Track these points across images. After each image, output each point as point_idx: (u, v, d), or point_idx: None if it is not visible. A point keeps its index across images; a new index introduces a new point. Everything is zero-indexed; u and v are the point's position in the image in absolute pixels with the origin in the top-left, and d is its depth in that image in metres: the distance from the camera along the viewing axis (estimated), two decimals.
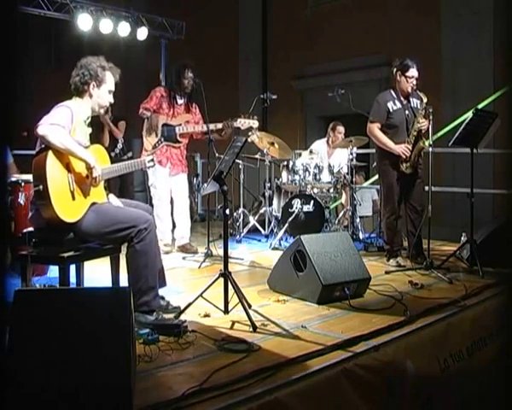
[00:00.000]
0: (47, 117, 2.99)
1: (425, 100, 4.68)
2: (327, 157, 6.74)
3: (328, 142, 6.89)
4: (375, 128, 4.86)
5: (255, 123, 5.43)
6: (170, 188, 5.47)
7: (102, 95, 3.28)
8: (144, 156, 5.12)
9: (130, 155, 7.09)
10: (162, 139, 5.37)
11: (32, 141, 3.12)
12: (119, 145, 7.01)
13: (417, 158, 4.80)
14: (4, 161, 1.38)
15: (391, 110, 4.83)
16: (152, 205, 5.39)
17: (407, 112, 4.83)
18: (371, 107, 5.02)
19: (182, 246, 5.50)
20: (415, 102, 4.86)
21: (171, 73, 5.55)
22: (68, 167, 3.06)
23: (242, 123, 5.37)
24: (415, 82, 4.78)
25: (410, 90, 4.79)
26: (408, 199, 4.88)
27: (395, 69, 4.87)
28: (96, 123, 3.47)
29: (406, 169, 4.77)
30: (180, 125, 5.38)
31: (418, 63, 4.83)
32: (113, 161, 3.50)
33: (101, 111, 3.38)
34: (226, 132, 5.33)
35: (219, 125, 5.28)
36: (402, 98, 4.86)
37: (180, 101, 5.46)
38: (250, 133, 5.81)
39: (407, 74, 4.77)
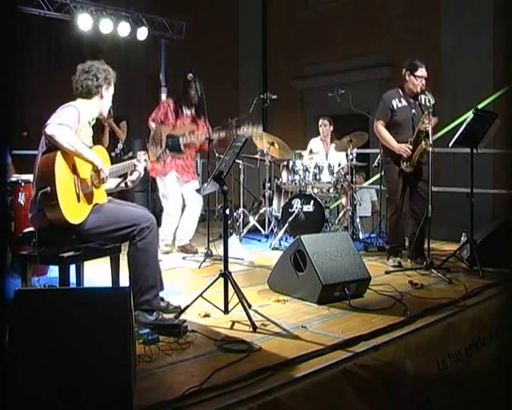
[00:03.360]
0: (55, 117, 2.95)
1: (432, 101, 4.54)
2: (324, 153, 6.76)
3: (321, 139, 6.91)
4: (379, 125, 4.90)
5: (259, 130, 5.42)
6: (181, 194, 5.43)
7: (110, 96, 3.33)
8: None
9: (130, 154, 7.07)
10: (167, 150, 5.33)
11: (33, 141, 3.11)
12: (120, 145, 7.00)
13: (418, 159, 4.76)
14: (4, 161, 1.39)
15: (394, 107, 4.84)
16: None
17: (413, 111, 4.79)
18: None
19: (182, 246, 5.50)
20: (423, 99, 4.77)
21: (178, 85, 5.49)
22: (74, 169, 3.04)
23: (245, 131, 5.36)
24: (424, 82, 4.74)
25: (419, 89, 4.75)
26: (410, 203, 4.88)
27: (404, 69, 4.85)
28: (96, 124, 3.47)
29: (406, 168, 4.77)
30: (184, 135, 5.37)
31: (427, 64, 4.80)
32: (113, 161, 3.51)
33: (105, 113, 3.39)
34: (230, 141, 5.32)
35: (222, 134, 5.23)
36: (408, 97, 4.84)
37: (187, 112, 5.42)
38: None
39: (416, 74, 4.74)
